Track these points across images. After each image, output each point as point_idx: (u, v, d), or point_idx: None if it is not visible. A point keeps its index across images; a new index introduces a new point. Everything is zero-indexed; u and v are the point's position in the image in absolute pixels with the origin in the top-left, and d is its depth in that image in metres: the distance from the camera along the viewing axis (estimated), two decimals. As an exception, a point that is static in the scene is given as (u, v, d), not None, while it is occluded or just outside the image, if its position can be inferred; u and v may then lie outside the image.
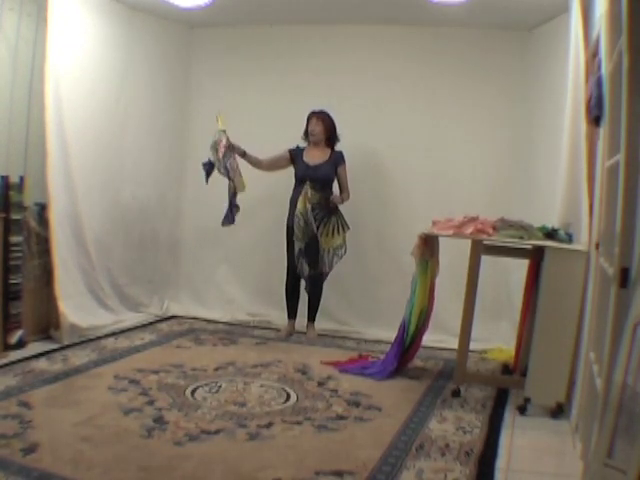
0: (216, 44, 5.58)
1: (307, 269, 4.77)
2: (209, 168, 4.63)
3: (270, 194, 5.23)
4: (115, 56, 4.97)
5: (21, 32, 4.32)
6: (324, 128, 4.85)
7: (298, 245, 4.78)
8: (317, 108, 4.88)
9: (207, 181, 4.66)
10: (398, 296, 4.46)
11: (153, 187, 5.43)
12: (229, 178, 4.64)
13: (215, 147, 4.61)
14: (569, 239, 3.57)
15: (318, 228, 4.76)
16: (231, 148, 4.67)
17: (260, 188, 5.07)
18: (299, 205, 4.77)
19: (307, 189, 4.79)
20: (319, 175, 4.80)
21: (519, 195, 4.89)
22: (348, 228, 4.86)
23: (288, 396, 3.50)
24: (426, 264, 3.94)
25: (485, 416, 3.32)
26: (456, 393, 3.64)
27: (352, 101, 5.18)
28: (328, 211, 4.79)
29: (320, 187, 4.77)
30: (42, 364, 3.79)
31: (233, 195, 4.70)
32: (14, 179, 4.15)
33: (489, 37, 5.04)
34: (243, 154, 4.79)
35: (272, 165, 4.96)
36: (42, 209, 4.34)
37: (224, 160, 4.60)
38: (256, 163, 4.89)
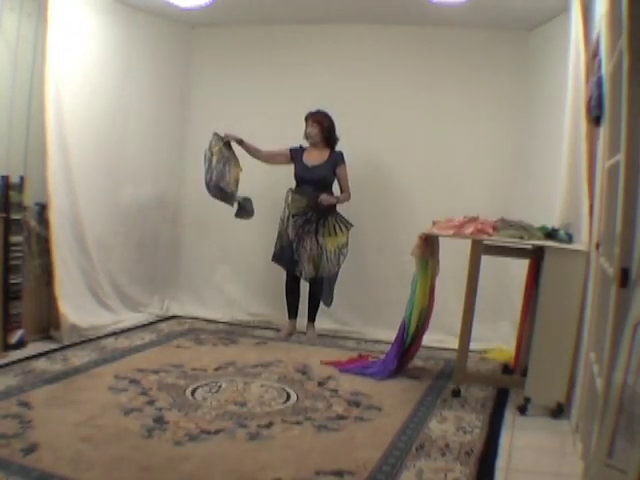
0: (216, 44, 5.58)
1: (306, 271, 4.77)
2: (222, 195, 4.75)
3: (271, 194, 5.21)
4: (115, 56, 4.96)
5: (21, 32, 4.32)
6: (320, 130, 4.83)
7: (279, 243, 4.85)
8: (315, 109, 4.86)
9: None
10: (398, 296, 4.46)
11: (153, 187, 5.43)
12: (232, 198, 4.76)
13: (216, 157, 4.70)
14: (569, 239, 3.57)
15: (318, 231, 4.76)
16: (227, 144, 4.74)
17: (260, 188, 5.07)
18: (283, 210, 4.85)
19: (288, 195, 4.83)
20: (316, 176, 4.79)
21: (519, 195, 4.88)
22: (351, 225, 4.84)
23: (288, 396, 3.50)
24: (426, 264, 3.94)
25: (485, 416, 3.33)
26: (456, 393, 3.64)
27: (352, 101, 5.17)
28: (323, 212, 4.77)
29: (315, 189, 4.75)
30: (42, 364, 3.79)
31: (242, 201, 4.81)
32: (14, 179, 4.15)
33: (489, 37, 5.03)
34: (240, 142, 4.81)
35: (270, 158, 4.96)
36: (42, 209, 4.34)
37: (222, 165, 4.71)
38: (254, 152, 4.90)
